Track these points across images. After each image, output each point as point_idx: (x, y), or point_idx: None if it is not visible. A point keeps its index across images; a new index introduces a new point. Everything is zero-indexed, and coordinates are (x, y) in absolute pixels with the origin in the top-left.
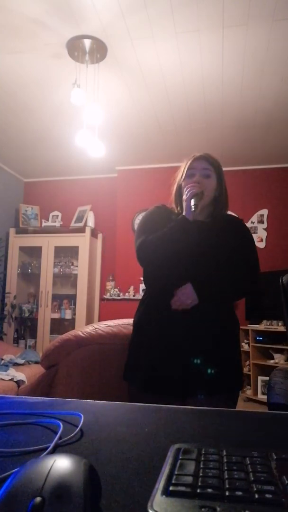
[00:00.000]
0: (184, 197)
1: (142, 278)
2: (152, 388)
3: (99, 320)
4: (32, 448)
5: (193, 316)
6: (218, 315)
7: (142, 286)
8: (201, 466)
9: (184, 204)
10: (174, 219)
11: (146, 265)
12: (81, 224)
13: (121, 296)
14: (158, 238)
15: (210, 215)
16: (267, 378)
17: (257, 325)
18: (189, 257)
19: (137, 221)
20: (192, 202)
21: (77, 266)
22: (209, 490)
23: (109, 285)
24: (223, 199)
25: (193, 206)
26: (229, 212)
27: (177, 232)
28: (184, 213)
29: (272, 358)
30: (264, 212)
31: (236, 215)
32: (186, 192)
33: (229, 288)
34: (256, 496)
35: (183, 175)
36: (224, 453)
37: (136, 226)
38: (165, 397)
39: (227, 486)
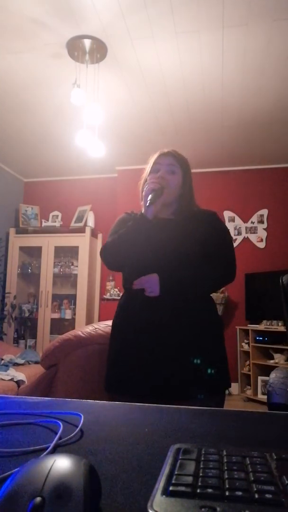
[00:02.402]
0: (143, 193)
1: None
2: (133, 392)
3: (99, 320)
4: (32, 448)
5: (166, 314)
6: (193, 313)
7: None
8: (201, 466)
9: (143, 200)
10: (132, 218)
11: (109, 266)
12: (81, 224)
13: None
14: (117, 238)
15: (174, 212)
16: (267, 378)
17: (257, 325)
18: (149, 254)
19: None
20: (149, 197)
21: (77, 266)
22: (209, 490)
23: (109, 285)
24: (188, 196)
25: (148, 201)
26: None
27: (135, 229)
28: (142, 211)
29: (272, 358)
30: (264, 212)
31: (209, 210)
32: (145, 188)
33: (195, 282)
34: (256, 496)
35: (149, 170)
36: (224, 453)
37: None
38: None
39: (227, 486)
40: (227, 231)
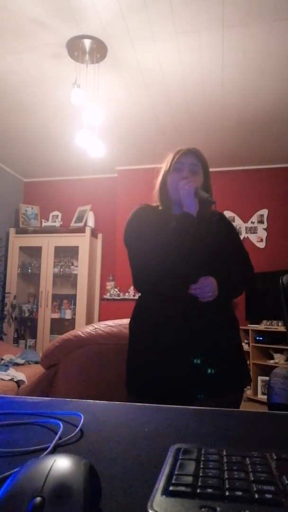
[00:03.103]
0: (182, 192)
1: (135, 283)
2: (155, 397)
3: (99, 320)
4: (32, 448)
5: (192, 318)
6: (218, 316)
7: None
8: (201, 466)
9: (183, 198)
10: (167, 217)
11: (153, 270)
12: (81, 224)
13: (121, 296)
14: (164, 240)
15: (198, 213)
16: (267, 378)
17: (257, 325)
18: (198, 255)
19: None
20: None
21: (77, 266)
22: (209, 490)
23: (109, 285)
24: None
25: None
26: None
27: (182, 230)
28: (184, 209)
29: (272, 358)
30: (264, 212)
31: (222, 213)
32: (184, 187)
33: (235, 286)
34: (256, 496)
35: (170, 169)
36: (224, 453)
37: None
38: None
39: (227, 486)
40: (239, 235)
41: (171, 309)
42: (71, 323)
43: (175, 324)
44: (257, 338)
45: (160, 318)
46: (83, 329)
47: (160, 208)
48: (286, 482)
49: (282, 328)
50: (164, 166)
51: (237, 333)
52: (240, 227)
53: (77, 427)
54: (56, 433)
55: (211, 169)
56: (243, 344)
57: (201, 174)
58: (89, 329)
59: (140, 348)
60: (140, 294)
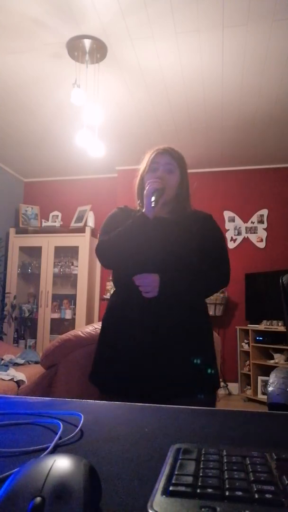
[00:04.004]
0: (145, 192)
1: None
2: (115, 391)
3: (99, 320)
4: (32, 448)
5: (159, 314)
6: (186, 315)
7: None
8: (201, 466)
9: (144, 199)
10: (131, 216)
11: (107, 265)
12: (81, 224)
13: None
14: (115, 236)
15: (170, 211)
16: (267, 378)
17: (257, 325)
18: (150, 253)
19: None
20: (152, 198)
21: (77, 266)
22: (209, 490)
23: (109, 285)
24: (185, 196)
25: (153, 203)
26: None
27: (135, 229)
28: (144, 210)
29: (272, 358)
30: (264, 212)
31: (204, 212)
32: (146, 187)
33: (193, 284)
34: (256, 496)
35: (146, 169)
36: (224, 453)
37: None
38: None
39: (227, 486)
40: (223, 234)
41: (127, 306)
42: (71, 323)
43: (134, 321)
44: (257, 338)
45: (125, 312)
46: (83, 329)
47: (138, 209)
48: (286, 482)
49: (282, 328)
50: (142, 166)
51: (205, 336)
52: (240, 227)
53: (77, 427)
54: (56, 433)
55: (211, 169)
56: (243, 344)
57: (176, 173)
58: (89, 329)
59: (106, 343)
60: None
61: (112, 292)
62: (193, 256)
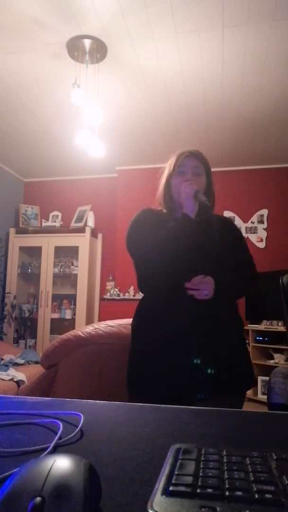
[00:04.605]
0: (183, 194)
1: (138, 285)
2: (158, 397)
3: (99, 320)
4: (32, 448)
5: (197, 318)
6: (222, 316)
7: None
8: (201, 466)
9: (184, 201)
10: (171, 219)
11: (152, 271)
12: (81, 224)
13: (121, 296)
14: (159, 241)
15: (197, 215)
16: (267, 378)
17: (257, 325)
18: (195, 256)
19: None
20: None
21: (77, 266)
22: (209, 490)
23: (109, 285)
24: (212, 199)
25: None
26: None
27: (180, 231)
28: (184, 211)
29: (272, 358)
30: (264, 212)
31: (221, 215)
32: (185, 190)
33: (237, 286)
34: (256, 496)
35: (174, 172)
36: (224, 453)
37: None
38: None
39: (227, 486)
40: (244, 238)
41: (172, 310)
42: (71, 323)
43: (178, 325)
44: (257, 338)
45: (162, 318)
46: (83, 329)
47: (164, 211)
48: (286, 482)
49: (282, 328)
50: (167, 169)
51: (240, 335)
52: (240, 227)
53: (77, 427)
54: (56, 433)
55: (211, 169)
56: None
57: (204, 177)
58: (89, 329)
59: (143, 348)
60: (143, 295)
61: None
62: (231, 257)
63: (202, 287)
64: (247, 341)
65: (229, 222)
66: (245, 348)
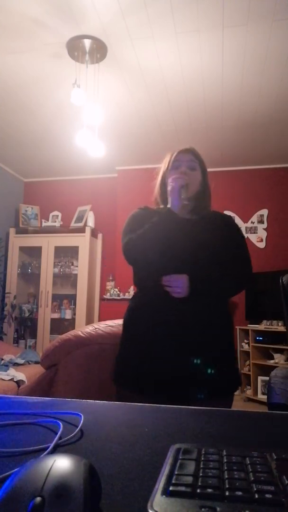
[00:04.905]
0: (170, 188)
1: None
2: (142, 388)
3: (99, 320)
4: (32, 448)
5: (186, 314)
6: (211, 315)
7: None
8: (201, 466)
9: (169, 196)
10: (157, 213)
11: (134, 264)
12: (81, 224)
13: (121, 296)
14: (143, 234)
15: (192, 210)
16: (267, 378)
17: (257, 325)
18: (178, 250)
19: None
20: (181, 192)
21: (77, 266)
22: (209, 490)
23: (109, 285)
24: (207, 195)
25: (182, 196)
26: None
27: (162, 225)
28: (169, 206)
29: (272, 358)
30: (264, 212)
31: (223, 213)
32: (170, 184)
33: (221, 284)
34: (256, 496)
35: (168, 168)
36: (224, 453)
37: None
38: (157, 398)
39: (227, 486)
40: (243, 236)
41: (158, 306)
42: (71, 323)
43: (164, 319)
44: (257, 338)
45: (150, 312)
46: (83, 329)
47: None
48: (286, 482)
49: (282, 328)
50: (162, 166)
51: (228, 335)
52: (240, 227)
53: (77, 427)
54: (56, 433)
55: (211, 169)
56: (243, 344)
57: (199, 172)
58: (89, 329)
59: (130, 342)
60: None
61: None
62: (221, 255)
63: (175, 284)
64: (247, 341)
65: (227, 220)
66: (231, 347)
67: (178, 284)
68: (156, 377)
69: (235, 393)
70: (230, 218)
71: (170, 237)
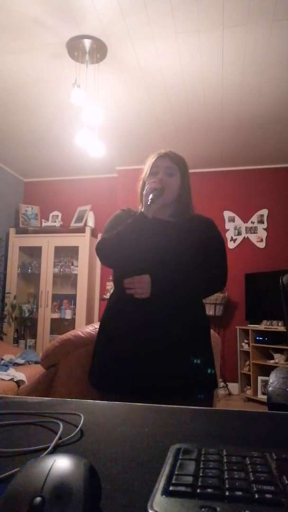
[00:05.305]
0: (144, 192)
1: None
2: (108, 388)
3: (99, 320)
4: (32, 448)
5: (152, 314)
6: (179, 314)
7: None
8: (201, 466)
9: (143, 199)
10: (131, 216)
11: (105, 263)
12: (81, 224)
13: None
14: (115, 235)
15: (172, 214)
16: (267, 378)
17: (257, 325)
18: (146, 254)
19: None
20: (150, 196)
21: (77, 266)
22: (209, 490)
23: (109, 285)
24: (186, 199)
25: (149, 200)
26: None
27: (133, 228)
28: (142, 210)
29: (272, 358)
30: (264, 212)
31: (205, 216)
32: (146, 188)
33: (187, 286)
34: (256, 496)
35: (147, 173)
36: (224, 453)
37: None
38: (125, 398)
39: (227, 486)
40: (222, 239)
41: (127, 307)
42: (71, 323)
43: (129, 319)
44: (257, 338)
45: (118, 315)
46: (83, 329)
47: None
48: (286, 482)
49: (282, 328)
50: (144, 170)
51: (202, 336)
52: (240, 227)
53: (77, 427)
54: (56, 433)
55: (211, 169)
56: (243, 344)
57: (177, 176)
58: (89, 329)
59: (100, 342)
60: None
61: (112, 291)
62: (189, 258)
63: (138, 285)
64: (247, 341)
65: (206, 223)
66: (205, 349)
67: (140, 286)
68: (129, 375)
69: (235, 393)
70: (209, 221)
71: (140, 239)
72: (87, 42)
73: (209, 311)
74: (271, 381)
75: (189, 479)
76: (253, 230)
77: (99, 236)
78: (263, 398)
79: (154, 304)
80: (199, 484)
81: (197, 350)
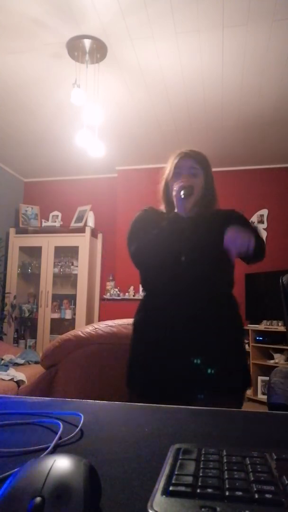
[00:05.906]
0: (174, 193)
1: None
2: (153, 394)
3: (99, 320)
4: (32, 448)
5: (195, 317)
6: (220, 314)
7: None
8: (201, 466)
9: (175, 200)
10: (165, 218)
11: (146, 269)
12: (81, 224)
13: (121, 296)
14: (152, 239)
15: (198, 213)
16: (267, 378)
17: (257, 325)
18: (187, 250)
19: None
20: (182, 192)
21: (77, 266)
22: (209, 490)
23: (109, 285)
24: (211, 196)
25: (182, 195)
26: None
27: (171, 229)
28: (176, 210)
29: (272, 358)
30: (264, 212)
31: (227, 209)
32: (175, 188)
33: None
34: (256, 496)
35: (171, 174)
36: (224, 453)
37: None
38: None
39: (227, 486)
40: (246, 218)
41: (169, 310)
42: (71, 323)
43: (174, 323)
44: (257, 338)
45: (161, 317)
46: (83, 329)
47: (164, 211)
48: (286, 482)
49: (282, 328)
50: (167, 170)
51: (239, 336)
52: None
53: (77, 427)
54: (56, 433)
55: (211, 167)
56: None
57: (200, 177)
58: (89, 329)
59: (142, 348)
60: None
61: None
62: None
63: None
64: (247, 341)
65: (231, 214)
66: (242, 349)
67: (240, 237)
68: (169, 384)
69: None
70: (235, 212)
71: (178, 242)
72: (87, 42)
73: None
74: (271, 381)
75: (189, 479)
76: None
77: (99, 236)
78: (263, 398)
79: (196, 304)
80: (199, 484)
81: (241, 351)
